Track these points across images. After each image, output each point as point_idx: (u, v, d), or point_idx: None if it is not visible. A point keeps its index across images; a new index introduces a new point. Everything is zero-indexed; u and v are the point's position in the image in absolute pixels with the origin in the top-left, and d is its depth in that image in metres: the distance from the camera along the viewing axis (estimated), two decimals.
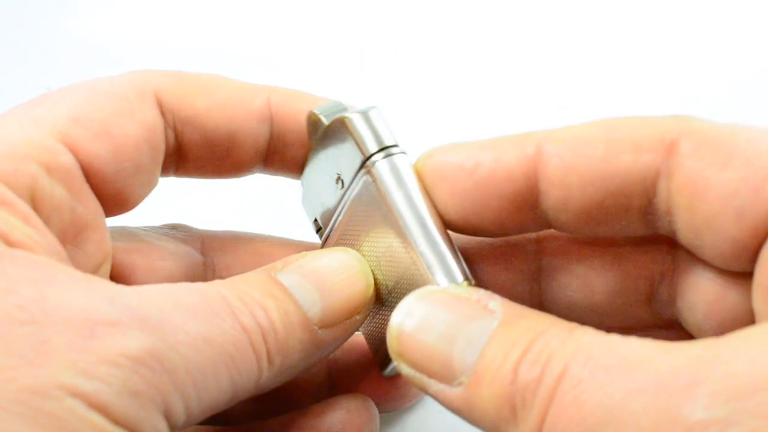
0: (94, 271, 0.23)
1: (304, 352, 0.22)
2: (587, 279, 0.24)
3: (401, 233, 0.23)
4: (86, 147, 0.22)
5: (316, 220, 0.27)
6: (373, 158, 0.23)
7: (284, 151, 0.26)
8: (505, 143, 0.22)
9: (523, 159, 0.21)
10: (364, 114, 0.24)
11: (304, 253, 0.24)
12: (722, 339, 0.17)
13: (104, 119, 0.23)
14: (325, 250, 0.24)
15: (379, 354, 0.25)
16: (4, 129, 0.22)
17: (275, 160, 0.26)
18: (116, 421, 0.17)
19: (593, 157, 0.21)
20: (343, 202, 0.25)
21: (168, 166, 0.26)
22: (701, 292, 0.22)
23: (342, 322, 0.23)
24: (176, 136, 0.25)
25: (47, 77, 0.25)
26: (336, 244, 0.25)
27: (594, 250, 0.24)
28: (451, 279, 0.22)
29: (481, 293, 0.21)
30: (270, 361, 0.21)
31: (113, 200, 0.24)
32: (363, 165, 0.24)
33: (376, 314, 0.25)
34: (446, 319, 0.20)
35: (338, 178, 0.25)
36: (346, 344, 0.25)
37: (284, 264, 0.23)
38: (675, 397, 0.16)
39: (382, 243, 0.23)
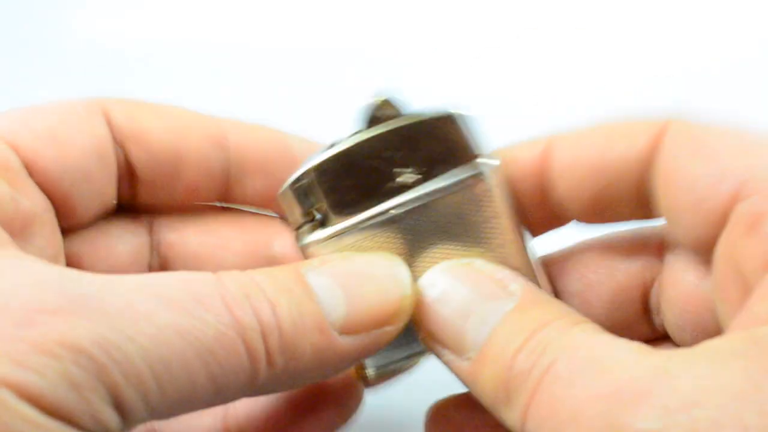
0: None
1: (316, 356, 0.21)
2: (585, 297, 0.24)
3: (503, 240, 0.23)
4: (29, 145, 0.23)
5: (310, 210, 0.24)
6: (483, 159, 0.23)
7: (244, 181, 0.25)
8: (517, 147, 0.24)
9: (531, 159, 0.23)
10: (466, 115, 0.24)
11: (345, 253, 0.23)
12: (679, 351, 0.18)
13: (50, 126, 0.23)
14: (365, 253, 0.23)
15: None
16: None
17: (236, 189, 0.26)
18: (50, 412, 0.17)
19: (594, 149, 0.23)
20: (400, 198, 0.23)
21: (123, 189, 0.25)
22: (678, 288, 0.23)
23: (368, 330, 0.22)
24: (125, 154, 0.25)
25: (55, 78, 0.25)
26: (364, 235, 0.23)
27: (588, 267, 0.25)
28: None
29: (505, 273, 0.22)
30: (270, 362, 0.20)
31: (62, 204, 0.23)
32: (465, 162, 0.23)
33: None
34: (465, 295, 0.22)
35: (400, 173, 0.23)
36: None
37: (321, 262, 0.22)
38: (624, 407, 0.17)
39: (459, 242, 0.23)
